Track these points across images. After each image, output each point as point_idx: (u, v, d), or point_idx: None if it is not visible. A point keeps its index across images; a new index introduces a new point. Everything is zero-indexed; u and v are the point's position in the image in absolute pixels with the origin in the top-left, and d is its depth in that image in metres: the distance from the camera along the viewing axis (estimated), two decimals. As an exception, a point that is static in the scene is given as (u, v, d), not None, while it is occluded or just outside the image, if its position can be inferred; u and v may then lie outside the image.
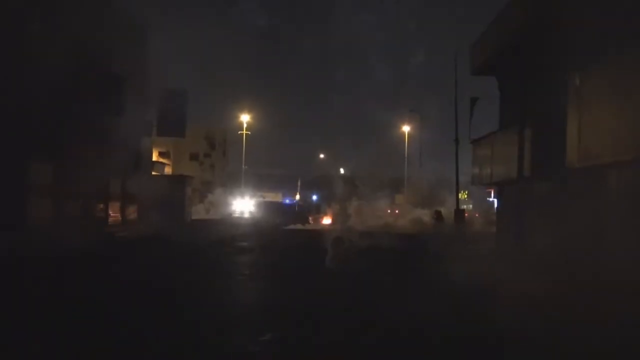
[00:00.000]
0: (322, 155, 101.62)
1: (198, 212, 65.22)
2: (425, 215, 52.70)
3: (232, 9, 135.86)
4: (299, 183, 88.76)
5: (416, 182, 71.79)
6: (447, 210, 46.02)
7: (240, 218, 65.46)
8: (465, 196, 69.12)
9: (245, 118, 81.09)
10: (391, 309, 13.12)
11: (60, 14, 26.93)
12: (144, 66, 39.57)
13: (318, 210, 65.97)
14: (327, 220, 56.90)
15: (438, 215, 41.07)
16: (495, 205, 37.15)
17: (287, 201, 79.50)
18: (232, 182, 77.24)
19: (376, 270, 19.80)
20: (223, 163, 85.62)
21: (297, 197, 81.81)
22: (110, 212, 35.89)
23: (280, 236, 37.37)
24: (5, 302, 12.86)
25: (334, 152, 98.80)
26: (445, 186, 44.30)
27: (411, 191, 71.70)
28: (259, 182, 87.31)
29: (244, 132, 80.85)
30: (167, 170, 67.33)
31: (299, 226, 50.61)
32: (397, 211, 66.16)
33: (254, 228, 43.84)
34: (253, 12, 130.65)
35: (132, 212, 38.65)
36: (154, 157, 56.79)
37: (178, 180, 48.94)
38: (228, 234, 36.51)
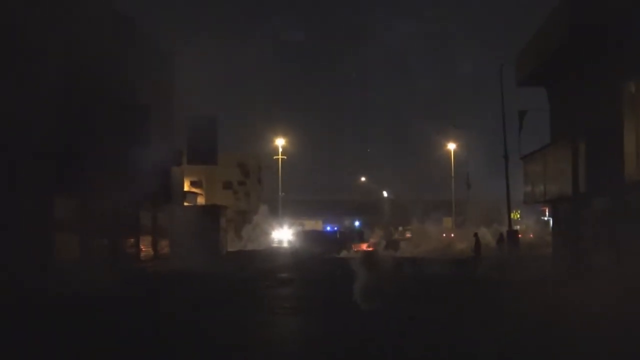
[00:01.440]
0: (363, 178, 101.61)
1: (249, 236, 65.89)
2: (486, 235, 52.26)
3: (262, 27, 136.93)
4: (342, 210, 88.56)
5: (475, 202, 71.23)
6: (497, 232, 45.73)
7: (279, 248, 65.51)
8: (518, 216, 68.42)
9: (280, 142, 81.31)
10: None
11: (83, 44, 27.34)
12: (171, 93, 40.01)
13: (361, 237, 65.81)
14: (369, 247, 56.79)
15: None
16: (550, 224, 36.72)
17: (328, 228, 79.39)
18: (269, 211, 77.28)
19: (415, 308, 19.29)
20: (258, 191, 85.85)
21: (346, 223, 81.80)
22: (142, 247, 36.14)
23: (321, 266, 37.27)
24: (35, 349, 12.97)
25: (376, 174, 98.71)
26: (502, 205, 43.86)
27: (471, 212, 71.07)
28: (297, 209, 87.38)
29: (280, 156, 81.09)
30: (200, 200, 67.70)
31: (343, 253, 50.66)
32: (452, 235, 65.54)
33: (294, 258, 43.82)
34: (285, 29, 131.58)
35: (164, 246, 38.90)
36: (186, 187, 57.20)
37: (211, 211, 49.14)
38: (266, 266, 36.52)
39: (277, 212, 78.89)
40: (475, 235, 39.95)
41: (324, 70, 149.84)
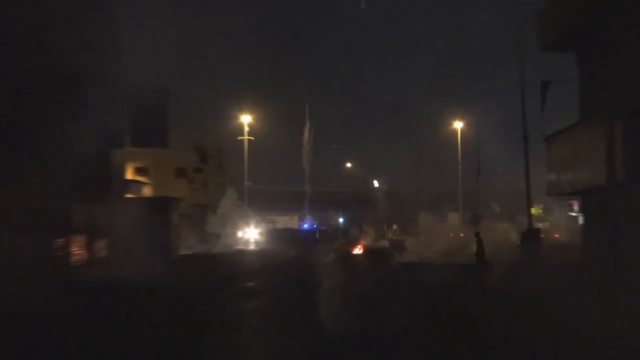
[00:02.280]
0: (349, 164, 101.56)
1: (217, 231, 66.02)
2: (510, 232, 52.27)
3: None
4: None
5: (494, 194, 71.32)
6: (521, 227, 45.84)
7: (245, 250, 65.31)
8: (540, 211, 68.62)
9: (246, 120, 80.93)
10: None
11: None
12: (114, 61, 39.57)
13: (346, 237, 65.77)
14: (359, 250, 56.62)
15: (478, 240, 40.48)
16: (580, 221, 36.76)
17: (306, 226, 79.42)
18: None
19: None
20: (219, 179, 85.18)
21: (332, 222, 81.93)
22: (73, 249, 35.84)
23: (295, 273, 37.19)
24: None
25: (365, 160, 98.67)
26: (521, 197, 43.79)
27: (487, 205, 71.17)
28: (268, 202, 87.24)
29: (246, 137, 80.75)
30: (146, 191, 67.22)
31: (330, 257, 50.53)
32: (461, 234, 65.45)
33: (262, 263, 43.74)
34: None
35: (101, 248, 38.63)
36: (129, 175, 56.88)
37: (160, 204, 48.84)
38: (226, 273, 36.43)
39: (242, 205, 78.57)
40: (477, 234, 39.96)
41: (306, 37, 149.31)
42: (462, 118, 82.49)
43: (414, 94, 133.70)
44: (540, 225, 54.08)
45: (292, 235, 64.79)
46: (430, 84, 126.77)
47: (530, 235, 39.66)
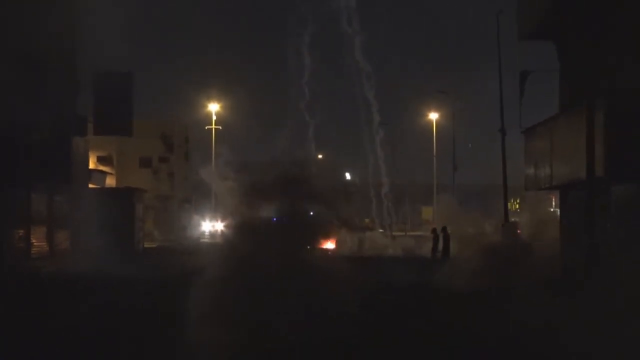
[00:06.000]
0: (320, 156, 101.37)
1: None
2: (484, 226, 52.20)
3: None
4: None
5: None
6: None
7: (212, 243, 65.06)
8: (517, 205, 68.75)
9: (214, 108, 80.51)
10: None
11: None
12: (74, 43, 39.19)
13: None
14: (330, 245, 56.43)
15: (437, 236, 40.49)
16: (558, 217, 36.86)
17: (275, 220, 78.98)
18: (199, 196, 76.48)
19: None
20: (185, 170, 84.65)
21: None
22: (33, 240, 35.56)
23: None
24: None
25: (337, 151, 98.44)
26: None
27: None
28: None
29: (213, 126, 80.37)
30: (110, 181, 66.87)
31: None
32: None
33: (228, 257, 43.60)
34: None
35: (63, 240, 38.34)
36: (91, 164, 56.39)
37: (124, 195, 48.65)
38: (192, 266, 36.36)
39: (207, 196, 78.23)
40: (444, 229, 39.96)
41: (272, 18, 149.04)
42: (439, 110, 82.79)
43: (390, 85, 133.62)
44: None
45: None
46: (412, 79, 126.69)
47: (506, 230, 39.68)
